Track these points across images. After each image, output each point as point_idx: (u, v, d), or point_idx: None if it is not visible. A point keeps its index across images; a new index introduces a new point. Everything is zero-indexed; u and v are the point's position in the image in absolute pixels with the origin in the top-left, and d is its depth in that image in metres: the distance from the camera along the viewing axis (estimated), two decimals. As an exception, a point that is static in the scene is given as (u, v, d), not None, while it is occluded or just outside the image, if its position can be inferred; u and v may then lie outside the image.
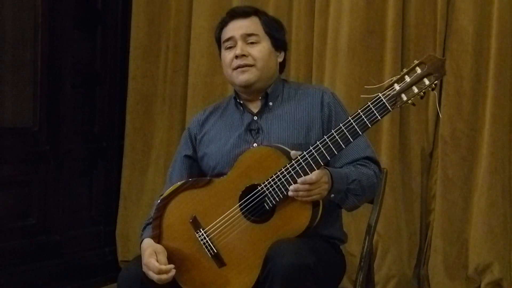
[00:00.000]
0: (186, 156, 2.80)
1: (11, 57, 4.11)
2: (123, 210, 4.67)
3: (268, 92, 2.71)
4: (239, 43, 2.68)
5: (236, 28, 2.69)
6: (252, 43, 2.68)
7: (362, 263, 2.75)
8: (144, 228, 2.70)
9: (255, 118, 2.70)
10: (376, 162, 2.66)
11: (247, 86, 2.69)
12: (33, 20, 4.16)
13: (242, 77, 2.68)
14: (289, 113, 2.68)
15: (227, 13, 2.77)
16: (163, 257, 2.50)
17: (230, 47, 2.71)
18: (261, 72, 2.67)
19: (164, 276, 2.46)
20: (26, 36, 4.15)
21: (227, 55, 2.71)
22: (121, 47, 4.69)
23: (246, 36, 2.68)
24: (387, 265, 4.00)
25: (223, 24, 2.74)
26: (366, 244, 2.77)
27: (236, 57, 2.67)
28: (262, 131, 2.67)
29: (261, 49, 2.68)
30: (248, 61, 2.67)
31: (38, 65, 4.17)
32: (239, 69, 2.67)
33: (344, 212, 2.77)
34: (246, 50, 2.67)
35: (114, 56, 4.65)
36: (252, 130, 2.69)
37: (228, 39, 2.71)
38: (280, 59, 2.76)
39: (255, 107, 2.73)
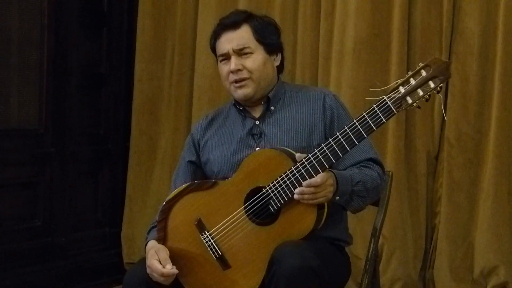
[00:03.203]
0: (189, 161, 2.80)
1: (17, 59, 4.12)
2: (128, 212, 4.67)
3: (270, 96, 2.71)
4: (233, 58, 2.66)
5: (228, 41, 2.67)
6: (245, 54, 2.66)
7: (367, 266, 2.75)
8: (149, 231, 2.71)
9: (257, 122, 2.70)
10: (379, 164, 2.66)
11: (246, 100, 2.70)
12: (39, 22, 4.17)
13: (240, 92, 2.67)
14: (291, 117, 2.68)
15: (218, 24, 2.73)
16: (162, 254, 2.50)
17: (225, 60, 2.69)
18: (258, 83, 2.67)
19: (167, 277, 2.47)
20: (32, 38, 4.17)
21: (223, 68, 2.70)
22: (126, 49, 4.70)
23: (238, 50, 2.66)
24: (393, 268, 4.00)
25: (215, 35, 2.72)
26: (372, 246, 2.77)
27: (232, 71, 2.67)
28: (265, 135, 2.67)
29: (255, 60, 2.66)
30: (244, 74, 2.66)
31: (44, 67, 4.19)
32: (236, 84, 2.67)
33: (349, 215, 2.77)
34: (240, 63, 2.65)
35: (120, 58, 4.66)
36: (255, 135, 2.69)
37: (222, 54, 2.70)
38: (277, 63, 2.74)
39: (256, 111, 2.73)
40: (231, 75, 2.67)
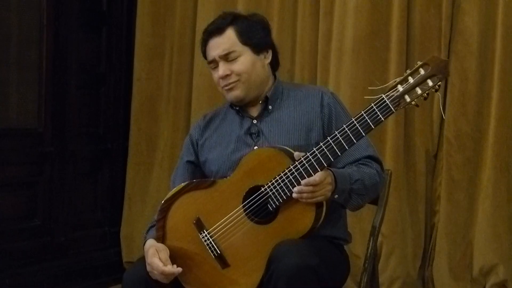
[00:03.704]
0: (188, 161, 2.80)
1: (17, 58, 4.13)
2: (127, 211, 4.67)
3: (268, 96, 2.71)
4: (220, 64, 2.67)
5: (214, 48, 2.68)
6: (232, 59, 2.66)
7: (366, 264, 2.75)
8: (148, 230, 2.71)
9: (255, 121, 2.71)
10: (378, 161, 2.67)
11: (238, 102, 2.70)
12: (38, 21, 4.17)
13: (230, 95, 2.69)
14: (288, 115, 2.68)
15: (203, 32, 2.74)
16: (164, 254, 2.51)
17: (215, 67, 2.70)
18: (247, 84, 2.67)
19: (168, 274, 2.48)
20: (32, 37, 4.17)
21: (214, 75, 2.71)
22: (126, 48, 4.70)
23: (224, 55, 2.66)
24: (392, 266, 4.00)
25: (203, 43, 2.73)
26: (371, 245, 2.77)
27: (221, 78, 2.67)
28: (262, 134, 2.67)
29: (242, 63, 2.66)
30: (232, 78, 2.66)
31: (43, 66, 4.19)
32: (226, 87, 2.68)
33: (348, 213, 2.78)
34: (228, 68, 2.65)
35: (119, 57, 4.66)
36: (252, 134, 2.69)
37: (210, 61, 2.71)
38: (268, 60, 2.73)
39: (254, 111, 2.73)
40: (220, 80, 2.68)
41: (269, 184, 2.47)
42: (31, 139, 4.19)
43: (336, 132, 2.42)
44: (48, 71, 4.20)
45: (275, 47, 2.77)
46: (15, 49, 4.12)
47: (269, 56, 2.73)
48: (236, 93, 2.67)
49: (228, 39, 2.66)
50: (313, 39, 4.18)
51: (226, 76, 2.66)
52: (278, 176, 2.45)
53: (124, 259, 4.65)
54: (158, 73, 4.64)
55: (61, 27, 4.26)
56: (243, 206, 2.52)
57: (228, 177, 2.57)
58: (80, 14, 4.39)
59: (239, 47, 2.66)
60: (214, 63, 2.70)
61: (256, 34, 2.69)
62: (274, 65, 2.77)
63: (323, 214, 2.49)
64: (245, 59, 2.66)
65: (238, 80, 2.66)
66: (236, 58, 2.66)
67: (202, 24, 4.38)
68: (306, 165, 2.42)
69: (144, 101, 4.64)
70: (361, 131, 2.40)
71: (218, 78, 2.68)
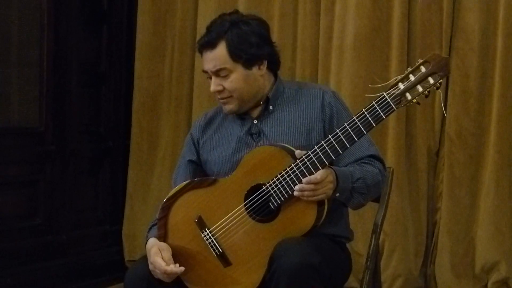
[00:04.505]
0: (190, 161, 2.80)
1: (17, 57, 4.12)
2: (129, 210, 4.67)
3: (269, 96, 2.69)
4: (213, 79, 2.64)
5: (206, 62, 2.64)
6: (224, 76, 2.62)
7: (368, 262, 2.75)
8: (150, 229, 2.70)
9: (255, 122, 2.70)
10: (380, 160, 2.65)
11: (234, 113, 2.70)
12: (39, 20, 4.17)
13: (225, 108, 2.69)
14: (289, 115, 2.67)
15: (197, 41, 2.70)
16: (167, 253, 2.50)
17: (209, 77, 2.67)
18: (241, 100, 2.65)
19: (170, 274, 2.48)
20: (32, 36, 4.16)
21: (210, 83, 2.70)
22: (126, 47, 4.69)
23: (215, 71, 2.63)
24: (394, 264, 4.00)
25: (198, 52, 2.70)
26: (373, 243, 2.77)
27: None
28: (263, 134, 2.66)
29: (233, 81, 2.62)
30: (225, 94, 2.64)
31: (44, 65, 4.18)
32: (221, 101, 2.67)
33: (350, 211, 2.77)
34: (220, 84, 2.63)
35: (120, 55, 4.65)
36: (253, 134, 2.68)
37: (204, 71, 2.68)
38: (262, 71, 2.66)
39: (255, 112, 2.71)
40: (216, 93, 2.67)
41: (271, 182, 2.46)
42: (32, 138, 4.19)
43: (338, 130, 2.42)
44: (48, 70, 4.19)
45: (274, 49, 2.71)
46: (16, 48, 4.11)
47: (263, 67, 2.66)
48: (230, 107, 2.67)
49: (219, 55, 2.61)
50: (314, 37, 4.18)
51: (219, 91, 2.65)
52: (279, 174, 2.45)
53: (126, 258, 4.65)
54: (159, 72, 4.63)
55: (61, 26, 4.25)
56: (245, 205, 2.51)
57: (229, 176, 2.56)
58: (80, 13, 4.39)
59: (230, 64, 2.62)
60: (207, 75, 2.68)
61: (248, 48, 2.62)
62: (274, 65, 2.73)
63: (325, 212, 2.49)
64: (236, 76, 2.63)
65: (231, 96, 2.64)
66: (227, 75, 2.62)
67: (203, 23, 4.38)
68: (308, 163, 2.42)
69: (145, 100, 4.64)
70: (362, 129, 2.40)
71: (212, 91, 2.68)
